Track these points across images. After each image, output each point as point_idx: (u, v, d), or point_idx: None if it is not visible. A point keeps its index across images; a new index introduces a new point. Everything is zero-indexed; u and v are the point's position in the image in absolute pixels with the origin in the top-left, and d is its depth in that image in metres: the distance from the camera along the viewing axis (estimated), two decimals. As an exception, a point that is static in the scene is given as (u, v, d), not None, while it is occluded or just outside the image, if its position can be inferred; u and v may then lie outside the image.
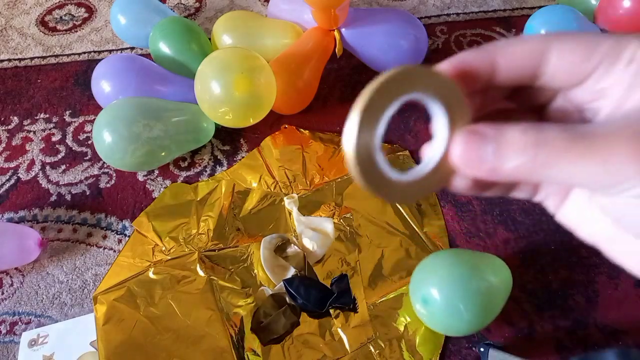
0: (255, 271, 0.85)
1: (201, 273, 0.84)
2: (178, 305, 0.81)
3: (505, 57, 0.22)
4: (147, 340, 0.77)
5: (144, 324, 0.79)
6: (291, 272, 0.84)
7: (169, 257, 0.86)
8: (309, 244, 0.87)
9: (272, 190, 0.95)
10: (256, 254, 0.86)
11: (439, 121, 0.22)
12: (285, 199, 0.93)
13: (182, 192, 0.95)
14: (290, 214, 0.92)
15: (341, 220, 0.91)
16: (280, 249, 0.87)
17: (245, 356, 0.77)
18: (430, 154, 0.22)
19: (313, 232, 0.88)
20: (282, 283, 0.82)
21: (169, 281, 0.83)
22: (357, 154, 0.21)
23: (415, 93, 0.21)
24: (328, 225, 0.89)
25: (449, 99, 0.21)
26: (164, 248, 0.87)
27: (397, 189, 0.22)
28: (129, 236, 0.91)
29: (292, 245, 0.87)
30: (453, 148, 0.21)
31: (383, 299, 0.81)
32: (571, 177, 0.20)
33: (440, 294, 0.68)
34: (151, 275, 0.84)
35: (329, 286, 0.83)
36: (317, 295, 0.81)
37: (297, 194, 0.93)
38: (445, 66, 0.23)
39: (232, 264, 0.86)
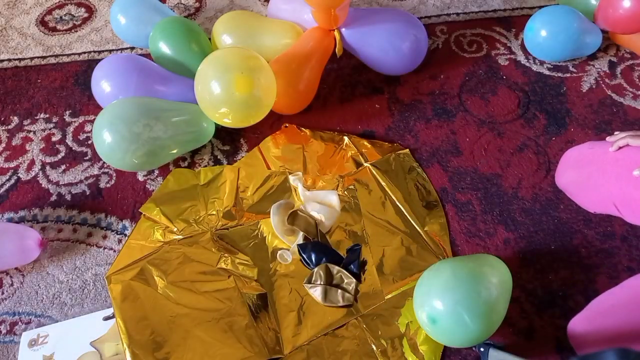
0: (267, 243, 0.88)
1: (214, 250, 0.86)
2: (193, 282, 0.83)
3: None
4: (165, 317, 0.79)
5: (161, 302, 0.81)
6: (300, 236, 0.86)
7: (182, 237, 0.88)
8: (316, 217, 0.89)
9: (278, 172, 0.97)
10: (266, 229, 0.89)
11: None
12: (290, 176, 0.95)
13: (185, 178, 0.97)
14: (295, 190, 0.93)
15: (345, 192, 0.93)
16: (290, 219, 0.88)
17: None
18: None
19: (320, 206, 0.90)
20: (295, 245, 0.85)
21: (183, 259, 0.85)
22: None
23: None
24: (333, 198, 0.91)
25: None
26: (175, 229, 0.89)
27: None
28: (129, 236, 0.91)
29: (303, 214, 0.89)
30: None
31: (386, 297, 0.82)
32: None
33: (447, 313, 0.69)
34: (165, 254, 0.86)
35: (344, 254, 0.86)
36: (328, 261, 0.83)
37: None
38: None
39: (243, 241, 0.88)
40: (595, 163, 0.82)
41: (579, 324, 0.74)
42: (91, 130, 0.97)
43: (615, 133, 0.81)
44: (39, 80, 1.18)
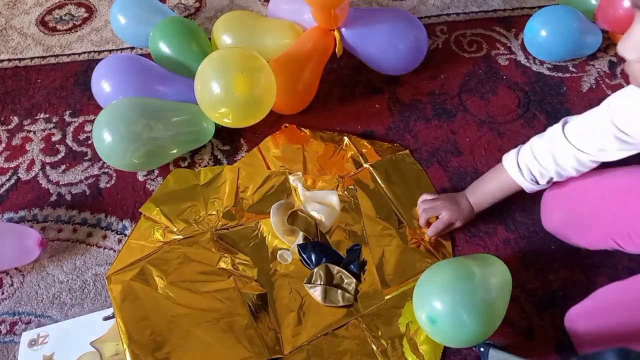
0: (267, 243, 0.88)
1: (214, 250, 0.86)
2: (193, 282, 0.83)
3: None
4: (165, 317, 0.79)
5: (161, 302, 0.81)
6: (300, 236, 0.86)
7: (182, 237, 0.88)
8: (316, 217, 0.89)
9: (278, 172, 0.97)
10: (266, 229, 0.89)
11: None
12: (290, 176, 0.95)
13: (185, 178, 0.97)
14: (295, 190, 0.93)
15: (345, 192, 0.93)
16: (290, 219, 0.88)
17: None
18: None
19: (320, 206, 0.90)
20: (295, 245, 0.85)
21: (183, 259, 0.85)
22: None
23: None
24: (333, 198, 0.92)
25: None
26: (175, 229, 0.89)
27: None
28: (129, 236, 0.91)
29: (303, 214, 0.89)
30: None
31: (386, 297, 0.82)
32: None
33: (447, 313, 0.68)
34: (165, 254, 0.86)
35: (344, 254, 0.86)
36: (328, 261, 0.83)
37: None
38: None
39: (243, 241, 0.88)
40: (580, 196, 0.79)
41: (576, 315, 0.75)
42: (91, 130, 0.97)
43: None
44: (39, 80, 1.18)
